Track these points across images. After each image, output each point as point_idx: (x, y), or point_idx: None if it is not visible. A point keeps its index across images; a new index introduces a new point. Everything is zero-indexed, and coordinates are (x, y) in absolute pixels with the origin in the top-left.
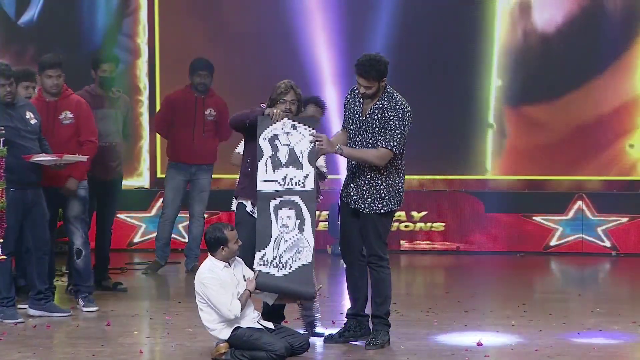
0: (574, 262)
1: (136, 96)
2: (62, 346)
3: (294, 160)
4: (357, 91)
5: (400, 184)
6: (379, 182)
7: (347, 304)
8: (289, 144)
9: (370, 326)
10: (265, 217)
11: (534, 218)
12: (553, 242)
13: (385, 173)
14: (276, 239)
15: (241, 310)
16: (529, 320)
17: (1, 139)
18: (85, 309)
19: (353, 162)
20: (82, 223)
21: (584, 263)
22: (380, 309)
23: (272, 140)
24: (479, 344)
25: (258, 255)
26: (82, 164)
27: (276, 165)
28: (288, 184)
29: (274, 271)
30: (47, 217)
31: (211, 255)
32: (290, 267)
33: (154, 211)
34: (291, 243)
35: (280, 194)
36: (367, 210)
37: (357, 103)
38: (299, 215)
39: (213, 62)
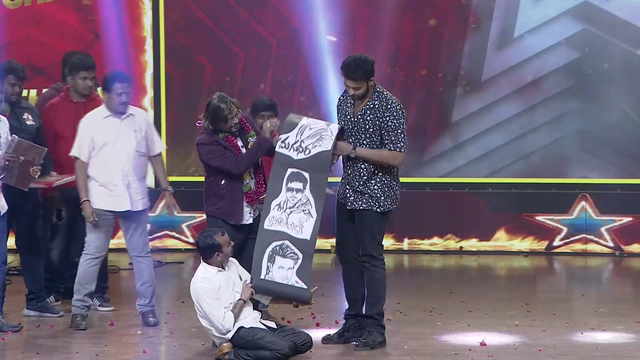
0: (577, 262)
1: (140, 97)
2: (65, 346)
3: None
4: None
5: (394, 183)
6: (374, 182)
7: None
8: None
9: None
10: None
11: (538, 218)
12: (556, 242)
13: (380, 174)
14: (302, 126)
15: (235, 322)
16: (533, 320)
17: None
18: (100, 308)
19: (349, 164)
20: None
21: (587, 263)
22: (372, 309)
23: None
24: (483, 344)
25: (280, 138)
26: None
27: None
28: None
29: (292, 154)
30: (37, 216)
31: (204, 261)
32: (310, 152)
33: (157, 211)
34: (316, 131)
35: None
36: (363, 206)
37: (349, 104)
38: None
39: (217, 67)
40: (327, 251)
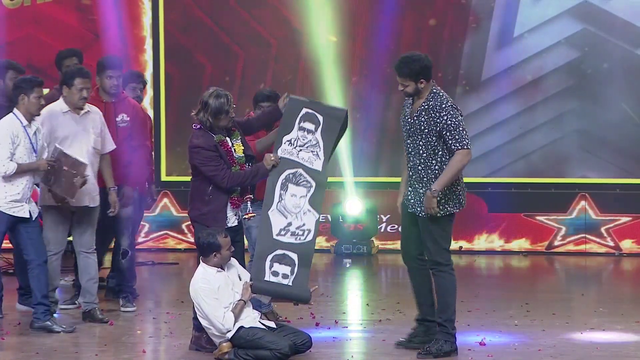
0: (577, 262)
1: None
2: (65, 346)
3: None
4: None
5: (459, 187)
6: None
7: (349, 303)
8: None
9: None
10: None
11: (537, 217)
12: (556, 242)
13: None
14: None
15: (235, 322)
16: (532, 319)
17: None
18: (123, 308)
19: (410, 165)
20: (133, 224)
21: (587, 263)
22: (441, 315)
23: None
24: (482, 344)
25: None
26: (137, 170)
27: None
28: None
29: (307, 99)
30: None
31: (203, 261)
32: (326, 102)
33: (157, 211)
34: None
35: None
36: (422, 214)
37: (408, 105)
38: None
39: (217, 67)
40: (327, 251)
